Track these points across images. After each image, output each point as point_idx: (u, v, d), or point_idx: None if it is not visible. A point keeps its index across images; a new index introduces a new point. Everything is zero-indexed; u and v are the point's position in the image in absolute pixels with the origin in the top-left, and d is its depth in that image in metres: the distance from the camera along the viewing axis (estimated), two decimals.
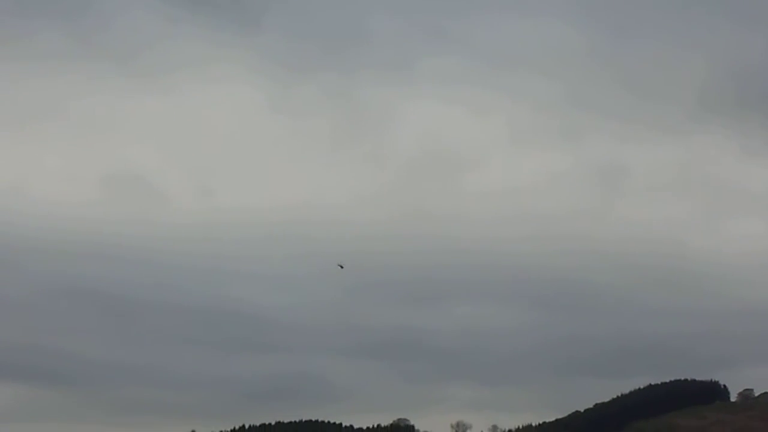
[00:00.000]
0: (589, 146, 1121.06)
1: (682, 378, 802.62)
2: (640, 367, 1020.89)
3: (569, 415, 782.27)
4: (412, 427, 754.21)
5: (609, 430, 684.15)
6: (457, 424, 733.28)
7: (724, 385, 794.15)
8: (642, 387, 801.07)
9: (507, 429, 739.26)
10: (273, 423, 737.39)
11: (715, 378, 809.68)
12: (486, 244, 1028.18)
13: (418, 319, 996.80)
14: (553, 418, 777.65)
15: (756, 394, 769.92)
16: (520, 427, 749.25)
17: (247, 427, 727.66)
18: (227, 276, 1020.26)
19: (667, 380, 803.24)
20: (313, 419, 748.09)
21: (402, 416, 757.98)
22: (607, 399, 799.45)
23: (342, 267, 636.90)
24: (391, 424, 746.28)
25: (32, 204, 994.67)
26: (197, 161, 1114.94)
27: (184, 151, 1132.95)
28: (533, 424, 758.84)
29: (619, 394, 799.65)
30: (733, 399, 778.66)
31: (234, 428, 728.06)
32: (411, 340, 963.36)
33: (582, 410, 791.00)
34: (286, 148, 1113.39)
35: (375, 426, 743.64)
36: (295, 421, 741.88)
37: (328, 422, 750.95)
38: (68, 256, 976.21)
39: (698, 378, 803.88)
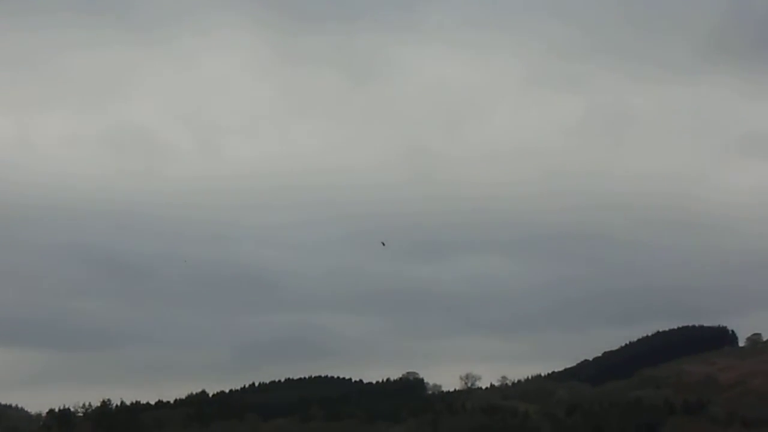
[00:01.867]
0: (597, 93, 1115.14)
1: (691, 324, 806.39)
2: (649, 314, 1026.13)
3: (578, 364, 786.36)
4: (422, 380, 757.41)
5: (618, 377, 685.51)
6: (466, 376, 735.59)
7: (733, 331, 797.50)
8: (650, 334, 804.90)
9: (516, 379, 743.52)
10: (282, 380, 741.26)
11: (724, 324, 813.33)
12: (493, 193, 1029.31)
13: (425, 271, 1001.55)
14: (561, 368, 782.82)
15: (765, 339, 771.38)
16: (529, 377, 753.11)
17: (256, 384, 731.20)
18: (233, 233, 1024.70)
19: (676, 327, 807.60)
20: (322, 375, 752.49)
21: (411, 370, 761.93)
22: (615, 347, 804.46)
23: (384, 244, 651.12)
24: (401, 378, 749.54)
25: (36, 164, 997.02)
26: (202, 117, 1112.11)
27: (188, 107, 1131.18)
28: (542, 374, 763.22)
29: (628, 342, 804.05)
30: (741, 344, 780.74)
31: (243, 386, 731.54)
32: (418, 293, 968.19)
33: (590, 359, 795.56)
34: (291, 101, 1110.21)
35: (384, 380, 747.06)
36: (303, 378, 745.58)
37: (337, 377, 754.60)
38: (73, 216, 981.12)
39: (706, 324, 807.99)
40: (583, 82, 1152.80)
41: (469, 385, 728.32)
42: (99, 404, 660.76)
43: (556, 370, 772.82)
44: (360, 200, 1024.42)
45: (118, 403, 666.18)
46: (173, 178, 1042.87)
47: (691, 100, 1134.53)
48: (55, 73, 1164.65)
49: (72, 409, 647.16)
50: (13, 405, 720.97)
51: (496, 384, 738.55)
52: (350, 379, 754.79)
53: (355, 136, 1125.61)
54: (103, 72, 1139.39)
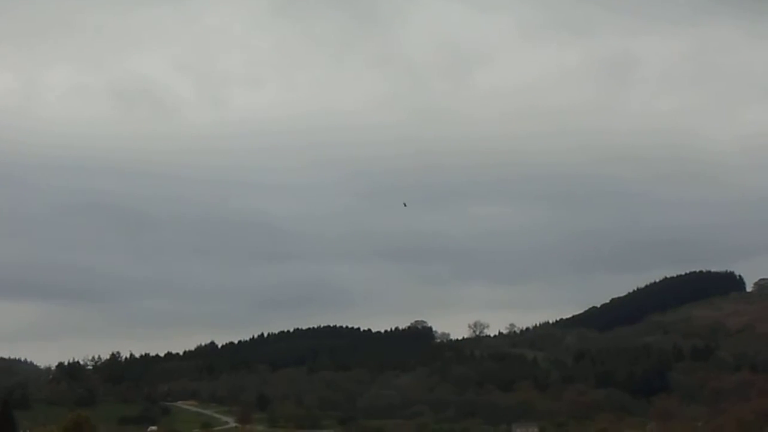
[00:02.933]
0: (598, 39, 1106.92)
1: (698, 270, 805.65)
2: (656, 260, 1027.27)
3: (586, 311, 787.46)
4: (430, 328, 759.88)
5: (626, 324, 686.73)
6: (475, 324, 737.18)
7: (740, 276, 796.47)
8: (658, 280, 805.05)
9: (524, 327, 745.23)
10: (291, 330, 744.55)
11: (731, 269, 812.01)
12: (497, 142, 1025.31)
13: (433, 221, 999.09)
14: (570, 315, 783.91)
15: None
16: (537, 324, 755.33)
17: (265, 335, 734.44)
18: (240, 186, 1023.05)
19: (683, 273, 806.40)
20: (331, 324, 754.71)
21: (420, 318, 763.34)
22: (623, 293, 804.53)
23: (405, 205, 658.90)
24: (409, 327, 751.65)
25: (43, 120, 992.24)
26: (206, 71, 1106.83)
27: (192, 58, 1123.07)
28: (550, 321, 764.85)
29: (635, 288, 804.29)
30: (749, 289, 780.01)
31: (253, 336, 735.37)
32: (426, 242, 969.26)
33: (598, 305, 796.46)
34: (295, 54, 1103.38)
35: (393, 329, 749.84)
36: (313, 328, 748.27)
37: (346, 327, 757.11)
38: (80, 171, 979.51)
39: (714, 269, 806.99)
40: (587, 29, 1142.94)
41: (478, 333, 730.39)
42: (108, 357, 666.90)
43: (564, 317, 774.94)
44: (367, 149, 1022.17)
45: (128, 356, 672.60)
46: (179, 129, 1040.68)
47: (696, 47, 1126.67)
48: (61, 26, 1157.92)
49: (81, 362, 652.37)
50: (22, 359, 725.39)
51: (505, 332, 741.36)
52: (359, 329, 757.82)
53: (359, 83, 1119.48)
54: (109, 25, 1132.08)
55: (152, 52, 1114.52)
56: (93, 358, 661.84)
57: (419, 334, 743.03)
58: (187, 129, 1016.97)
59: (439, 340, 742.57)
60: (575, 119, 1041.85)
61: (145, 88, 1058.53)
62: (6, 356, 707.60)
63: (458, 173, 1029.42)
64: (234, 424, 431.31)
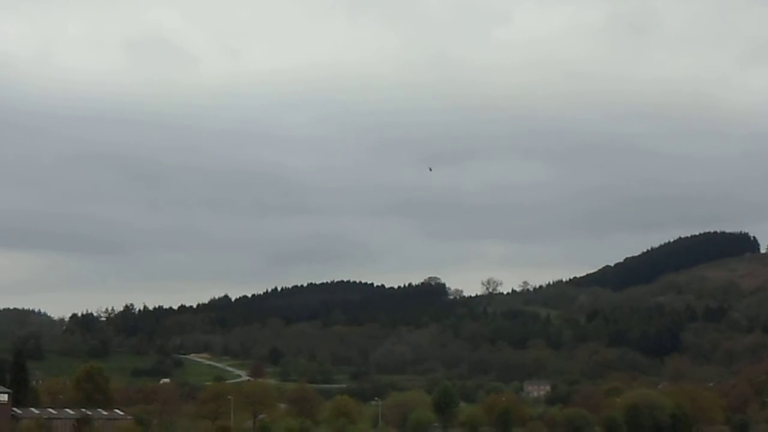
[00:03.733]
0: None
1: (712, 231, 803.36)
2: (670, 219, 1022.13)
3: (599, 270, 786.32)
4: (443, 285, 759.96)
5: (639, 283, 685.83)
6: (488, 281, 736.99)
7: (754, 237, 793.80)
8: (672, 240, 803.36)
9: (538, 285, 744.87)
10: (305, 285, 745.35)
11: (745, 230, 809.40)
12: (512, 98, 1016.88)
13: (446, 176, 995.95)
14: (583, 273, 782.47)
15: None
16: (551, 282, 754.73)
17: (279, 289, 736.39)
18: (255, 138, 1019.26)
19: (697, 233, 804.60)
20: (344, 280, 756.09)
21: (433, 275, 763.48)
22: (637, 253, 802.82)
23: (431, 170, 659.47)
24: (422, 283, 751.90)
25: (58, 71, 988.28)
26: (221, 22, 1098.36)
27: (207, 12, 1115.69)
28: (564, 280, 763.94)
29: (649, 248, 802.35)
30: (763, 251, 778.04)
31: (266, 290, 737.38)
32: (440, 198, 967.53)
33: (612, 264, 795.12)
34: (309, 7, 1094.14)
35: (406, 285, 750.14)
36: (326, 282, 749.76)
37: (360, 282, 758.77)
38: (95, 122, 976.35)
39: (728, 230, 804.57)
40: None
41: (491, 290, 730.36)
42: (122, 309, 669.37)
43: (577, 276, 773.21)
44: (383, 105, 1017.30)
45: (141, 308, 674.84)
46: (194, 84, 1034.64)
47: (714, 6, 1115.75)
48: None
49: (95, 314, 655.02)
50: (36, 310, 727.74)
51: (518, 289, 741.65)
52: (372, 284, 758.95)
53: (374, 41, 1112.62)
54: None
55: (167, 2, 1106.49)
56: (106, 309, 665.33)
57: (432, 290, 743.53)
58: (201, 80, 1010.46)
59: (452, 297, 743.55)
60: (591, 76, 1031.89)
61: (159, 39, 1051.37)
62: (19, 307, 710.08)
63: (474, 131, 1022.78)
64: (246, 378, 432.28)
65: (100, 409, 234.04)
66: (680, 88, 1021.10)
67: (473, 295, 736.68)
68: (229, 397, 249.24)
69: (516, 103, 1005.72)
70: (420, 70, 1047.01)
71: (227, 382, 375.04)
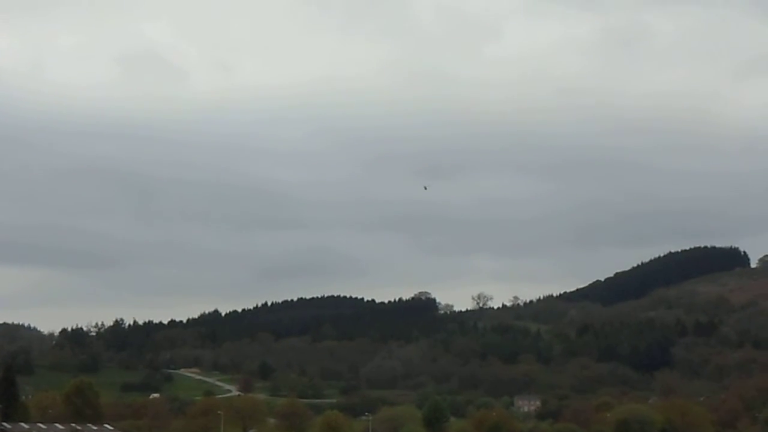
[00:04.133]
0: (608, 10, 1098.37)
1: (703, 245, 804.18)
2: (660, 234, 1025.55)
3: (590, 285, 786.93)
4: (434, 300, 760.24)
5: (629, 298, 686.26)
6: (478, 296, 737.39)
7: (744, 252, 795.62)
8: (662, 255, 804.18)
9: (528, 299, 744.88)
10: (295, 299, 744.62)
11: (736, 245, 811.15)
12: (504, 113, 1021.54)
13: (438, 191, 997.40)
14: (573, 288, 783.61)
15: None
16: (541, 297, 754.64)
17: (269, 304, 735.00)
18: (246, 152, 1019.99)
19: (687, 248, 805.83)
20: (335, 294, 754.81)
21: (423, 289, 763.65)
22: (627, 268, 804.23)
23: (426, 188, 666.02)
24: (413, 298, 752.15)
25: (49, 84, 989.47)
26: (213, 36, 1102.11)
27: (199, 26, 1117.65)
28: (554, 295, 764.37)
29: (640, 263, 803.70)
30: (753, 265, 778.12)
31: (256, 305, 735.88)
32: (431, 212, 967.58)
33: (602, 279, 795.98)
34: (302, 21, 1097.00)
35: (396, 300, 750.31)
36: (316, 297, 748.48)
37: (350, 297, 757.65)
38: (86, 136, 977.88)
39: (718, 245, 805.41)
40: (599, 1, 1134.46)
41: (481, 305, 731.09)
42: (112, 324, 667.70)
43: (567, 291, 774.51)
44: (373, 120, 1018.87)
45: (131, 323, 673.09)
46: (185, 97, 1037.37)
47: (706, 20, 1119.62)
48: None
49: (85, 329, 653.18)
50: (26, 324, 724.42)
51: (508, 304, 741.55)
52: (362, 299, 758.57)
53: (367, 56, 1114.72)
54: None
55: (159, 16, 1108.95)
56: (96, 324, 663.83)
57: (423, 305, 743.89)
58: (193, 95, 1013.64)
59: (442, 312, 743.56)
60: (583, 90, 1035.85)
61: (151, 53, 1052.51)
62: (9, 321, 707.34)
63: (463, 143, 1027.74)
64: (236, 393, 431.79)
65: (89, 424, 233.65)
66: (672, 103, 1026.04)
67: (463, 309, 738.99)
68: (219, 412, 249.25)
69: (508, 118, 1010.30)
70: (413, 85, 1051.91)
71: (217, 396, 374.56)
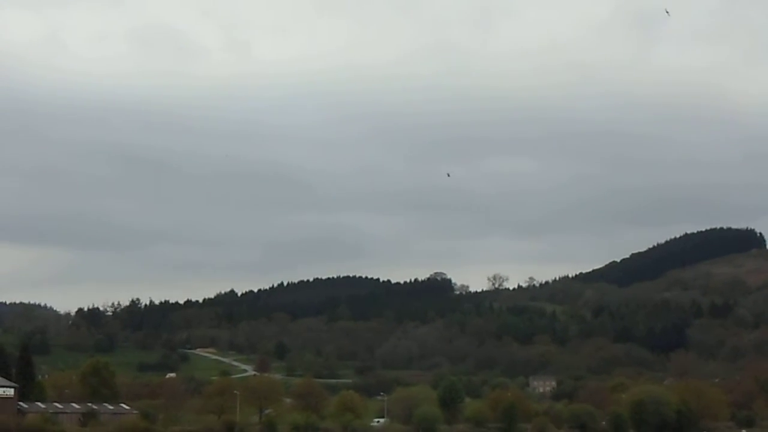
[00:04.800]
0: None
1: (719, 227, 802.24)
2: (677, 215, 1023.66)
3: (606, 266, 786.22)
4: (449, 280, 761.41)
5: (645, 279, 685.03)
6: (494, 277, 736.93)
7: (761, 233, 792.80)
8: (678, 236, 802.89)
9: (544, 280, 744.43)
10: (311, 279, 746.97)
11: (752, 226, 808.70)
12: (521, 95, 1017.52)
13: (454, 172, 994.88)
14: (589, 269, 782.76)
15: None
16: (557, 278, 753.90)
17: (285, 284, 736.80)
18: (261, 131, 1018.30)
19: (704, 229, 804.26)
20: (350, 275, 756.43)
21: (439, 270, 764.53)
22: (643, 249, 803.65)
23: (449, 175, 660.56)
24: (428, 279, 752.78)
25: (64, 63, 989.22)
26: (229, 15, 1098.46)
27: (215, 5, 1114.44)
28: (570, 275, 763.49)
29: (656, 244, 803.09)
30: None
31: (272, 285, 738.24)
32: (447, 194, 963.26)
33: (618, 260, 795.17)
34: (321, 4, 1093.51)
35: (412, 280, 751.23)
36: (332, 277, 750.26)
37: (365, 277, 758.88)
38: (100, 114, 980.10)
39: (734, 226, 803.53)
40: None
41: (497, 285, 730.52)
42: (128, 303, 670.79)
43: (583, 272, 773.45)
44: (388, 99, 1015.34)
45: (147, 303, 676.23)
46: (201, 77, 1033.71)
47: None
48: None
49: (101, 308, 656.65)
50: (42, 304, 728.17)
51: (524, 285, 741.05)
52: (378, 279, 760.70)
53: (383, 34, 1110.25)
54: None
55: None
56: (113, 304, 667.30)
57: (438, 285, 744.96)
58: (207, 76, 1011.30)
59: (458, 292, 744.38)
60: (600, 73, 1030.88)
61: (167, 34, 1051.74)
62: (26, 301, 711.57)
63: (480, 125, 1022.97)
64: (252, 373, 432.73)
65: (106, 404, 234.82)
66: (688, 82, 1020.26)
67: (479, 290, 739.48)
68: (235, 391, 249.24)
69: (525, 99, 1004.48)
70: (425, 62, 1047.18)
71: (233, 376, 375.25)
